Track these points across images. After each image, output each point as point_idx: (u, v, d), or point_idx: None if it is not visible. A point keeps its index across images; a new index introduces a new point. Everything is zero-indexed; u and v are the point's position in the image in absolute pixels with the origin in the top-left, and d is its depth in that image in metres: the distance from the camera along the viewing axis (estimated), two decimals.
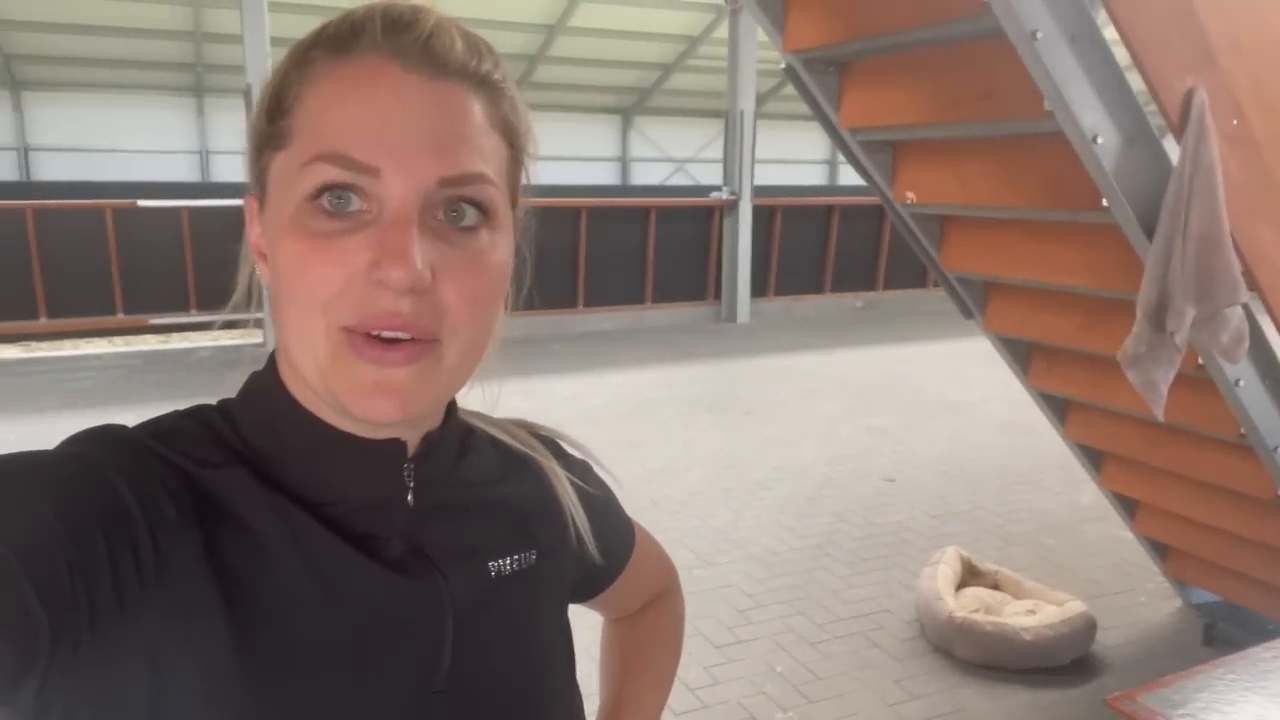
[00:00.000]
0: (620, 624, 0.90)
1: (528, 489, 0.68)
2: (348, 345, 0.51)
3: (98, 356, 7.58)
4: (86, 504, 0.47)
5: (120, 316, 7.53)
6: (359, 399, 0.52)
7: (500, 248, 0.55)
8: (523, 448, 0.69)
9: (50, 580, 0.43)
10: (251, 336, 7.75)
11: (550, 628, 0.68)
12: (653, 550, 0.87)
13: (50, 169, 14.48)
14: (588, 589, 0.79)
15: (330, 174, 0.50)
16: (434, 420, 0.60)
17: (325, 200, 0.51)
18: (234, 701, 0.51)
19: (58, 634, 0.43)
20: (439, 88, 0.52)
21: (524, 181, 0.60)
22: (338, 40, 0.53)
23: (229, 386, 0.62)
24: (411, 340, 0.51)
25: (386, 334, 0.51)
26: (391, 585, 0.56)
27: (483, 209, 0.53)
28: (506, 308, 0.63)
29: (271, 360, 0.60)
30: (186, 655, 0.50)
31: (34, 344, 7.77)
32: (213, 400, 0.61)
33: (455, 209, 0.52)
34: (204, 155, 15.54)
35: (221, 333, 8.02)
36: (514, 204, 0.58)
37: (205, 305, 7.57)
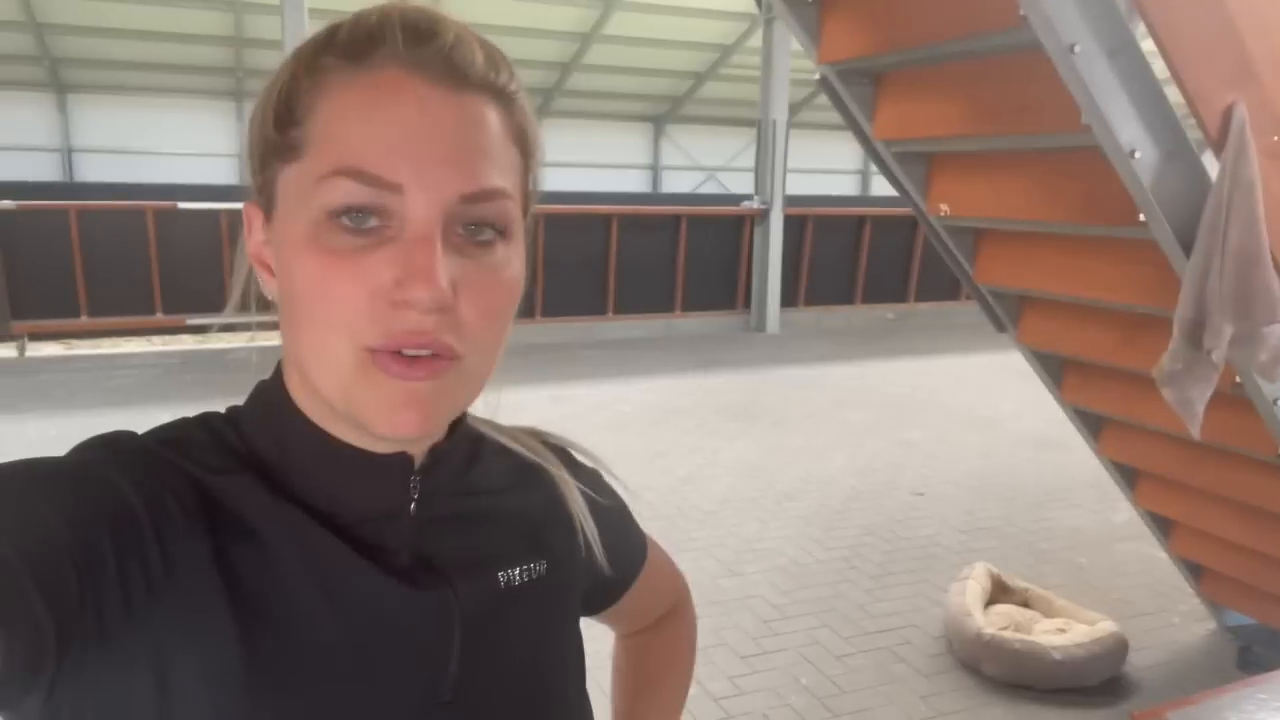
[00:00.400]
0: (633, 640, 0.88)
1: (538, 498, 0.67)
2: (372, 363, 0.50)
3: (136, 355, 7.72)
4: (94, 510, 0.47)
5: (159, 316, 7.67)
6: (383, 416, 0.51)
7: (514, 260, 0.55)
8: (532, 456, 0.69)
9: (58, 587, 0.43)
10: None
11: (560, 638, 0.67)
12: (664, 563, 0.86)
13: (92, 170, 14.78)
14: (599, 601, 0.78)
15: (351, 189, 0.49)
16: (440, 432, 0.60)
17: (345, 217, 0.49)
18: (240, 709, 0.51)
19: (65, 641, 0.43)
20: (461, 101, 0.51)
21: (533, 187, 0.59)
22: (354, 48, 0.51)
23: None
24: (433, 355, 0.51)
25: (409, 351, 0.50)
26: (399, 595, 0.56)
27: (501, 223, 0.53)
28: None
29: (278, 370, 0.60)
30: (194, 662, 0.50)
31: (74, 342, 7.93)
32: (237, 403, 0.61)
33: (474, 224, 0.52)
34: (243, 159, 15.77)
35: (258, 333, 8.12)
36: (525, 212, 0.58)
37: (243, 307, 7.65)
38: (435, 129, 0.50)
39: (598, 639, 0.86)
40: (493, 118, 0.53)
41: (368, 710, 0.55)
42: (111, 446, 0.53)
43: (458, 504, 0.62)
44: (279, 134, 0.52)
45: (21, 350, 7.44)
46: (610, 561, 0.72)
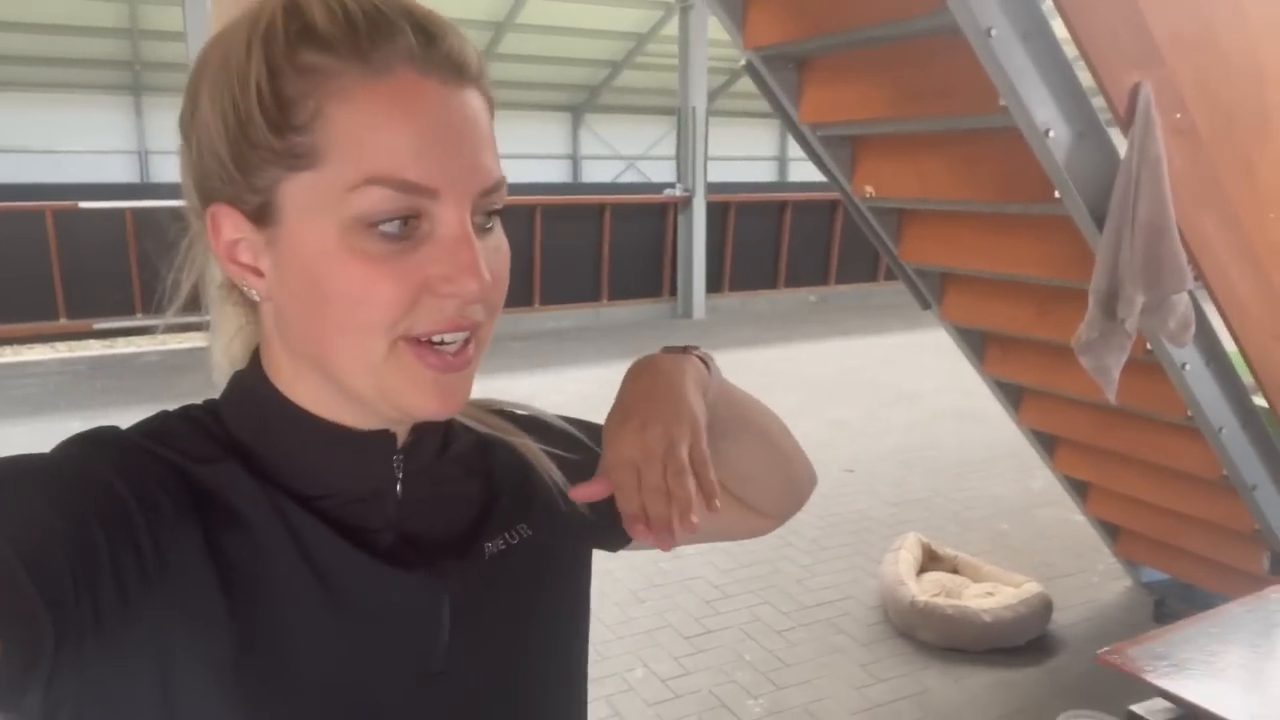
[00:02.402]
0: None
1: (507, 467, 0.69)
2: (413, 355, 0.53)
3: (40, 363, 7.37)
4: (86, 505, 0.47)
5: (63, 321, 7.33)
6: (416, 398, 0.54)
7: (503, 234, 0.58)
8: (489, 430, 0.70)
9: (53, 582, 0.43)
10: (197, 340, 7.59)
11: (556, 594, 0.69)
12: None
13: None
14: (614, 538, 0.74)
15: (387, 196, 0.50)
16: None
17: (383, 224, 0.50)
18: (238, 695, 0.51)
19: (62, 636, 0.43)
20: (466, 98, 0.53)
21: None
22: (360, 48, 0.50)
23: (179, 391, 0.62)
24: (462, 348, 0.55)
25: (448, 340, 0.54)
26: (385, 576, 0.57)
27: (500, 206, 0.56)
28: None
29: (255, 358, 0.60)
30: (190, 650, 0.50)
31: None
32: (157, 406, 0.61)
33: (486, 212, 0.55)
34: (143, 155, 15.15)
35: (169, 336, 7.84)
36: None
37: (151, 309, 7.39)
38: (455, 130, 0.52)
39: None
40: (484, 108, 0.55)
41: (360, 688, 0.56)
42: (95, 442, 0.53)
43: (438, 482, 0.63)
44: (279, 138, 0.50)
45: None
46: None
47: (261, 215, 0.53)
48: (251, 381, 0.59)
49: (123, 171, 14.85)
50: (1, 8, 11.27)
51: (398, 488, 0.60)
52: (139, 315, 7.49)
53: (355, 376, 0.54)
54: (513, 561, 0.64)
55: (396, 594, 0.58)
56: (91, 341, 7.70)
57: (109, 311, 7.45)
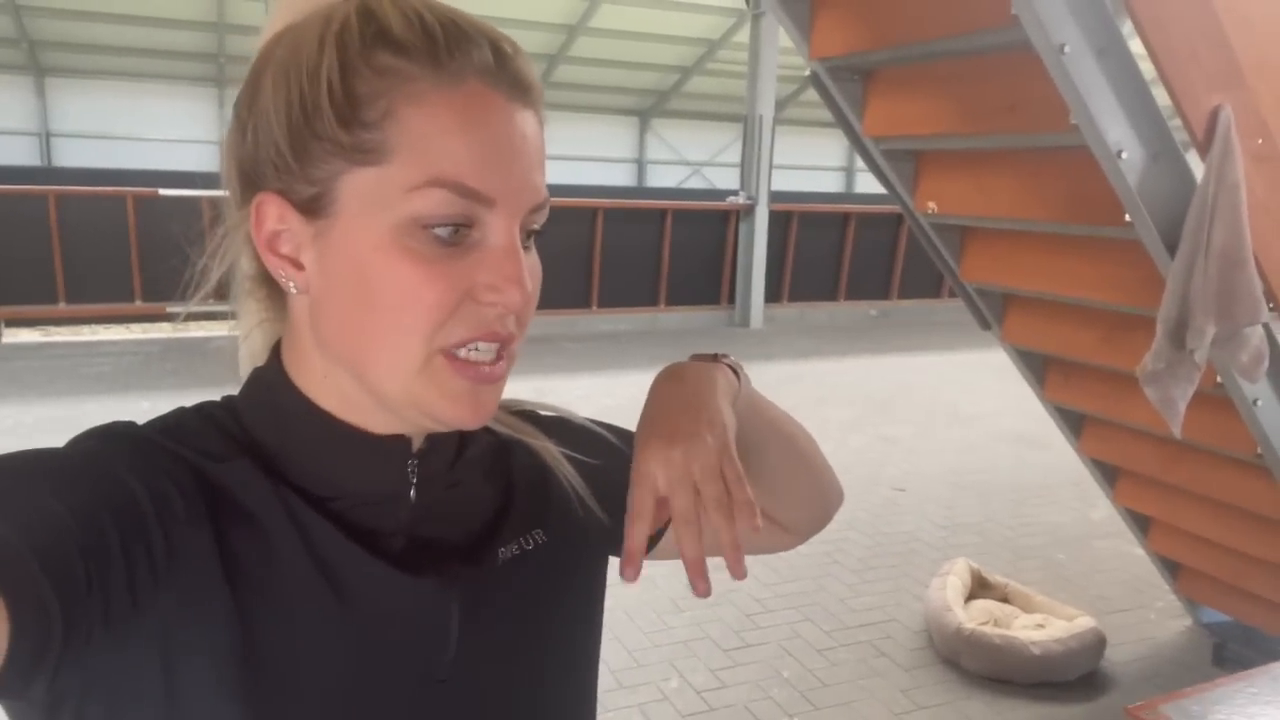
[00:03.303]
0: None
1: (525, 470, 0.68)
2: (449, 367, 0.54)
3: (115, 343, 7.64)
4: (98, 499, 0.48)
5: (138, 303, 7.58)
6: (449, 407, 0.55)
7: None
8: (509, 431, 0.69)
9: (64, 574, 0.44)
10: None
11: (568, 603, 0.68)
12: None
13: (71, 155, 14.59)
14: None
15: (447, 200, 0.51)
16: None
17: (438, 227, 0.52)
18: (242, 694, 0.51)
19: (71, 628, 0.44)
20: (526, 116, 0.55)
21: None
22: (437, 56, 0.51)
23: (245, 376, 0.63)
24: (494, 360, 0.55)
25: (477, 354, 0.54)
26: (395, 580, 0.57)
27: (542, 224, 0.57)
28: None
29: (275, 354, 0.60)
30: (197, 647, 0.50)
31: (52, 329, 7.84)
32: (224, 391, 0.62)
33: (529, 229, 0.56)
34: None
35: (236, 323, 8.06)
36: None
37: (223, 295, 7.61)
38: (516, 145, 0.53)
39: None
40: (539, 128, 0.56)
41: (365, 692, 0.56)
42: (110, 436, 0.53)
43: (452, 487, 0.62)
44: (346, 133, 0.51)
45: None
46: (605, 510, 0.69)
47: (313, 207, 0.53)
48: (271, 379, 0.59)
49: (204, 161, 15.33)
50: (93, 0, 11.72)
51: (411, 492, 0.59)
52: (211, 301, 7.71)
53: (388, 379, 0.54)
54: (526, 568, 0.64)
55: (405, 599, 0.58)
56: (164, 324, 7.96)
57: (183, 296, 7.69)
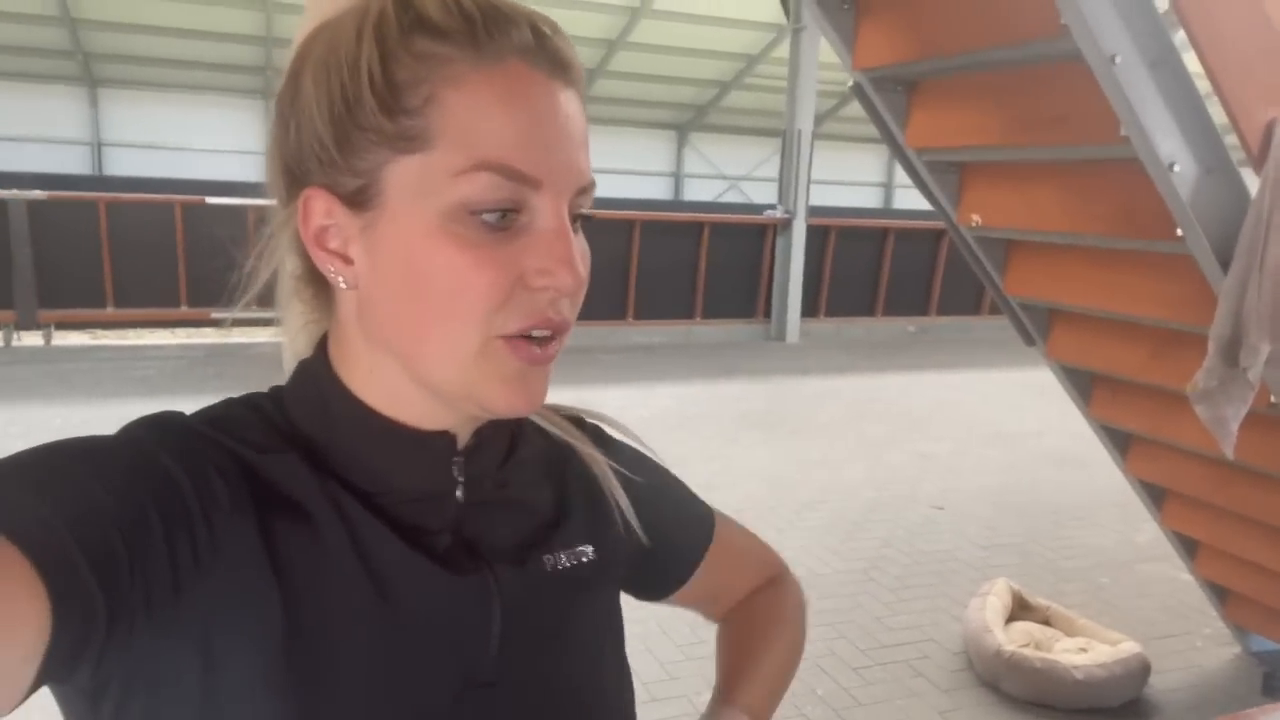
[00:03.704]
0: (730, 613, 0.85)
1: (578, 480, 0.68)
2: (507, 348, 0.53)
3: (160, 347, 7.80)
4: (143, 488, 0.48)
5: (184, 309, 7.73)
6: (503, 397, 0.54)
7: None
8: (565, 436, 0.69)
9: (108, 562, 0.44)
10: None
11: (600, 618, 0.67)
12: (742, 537, 0.84)
13: (121, 164, 14.96)
14: (661, 582, 0.77)
15: (495, 183, 0.50)
16: None
17: (486, 212, 0.51)
18: (283, 686, 0.51)
19: (114, 615, 0.44)
20: (569, 96, 0.54)
21: None
22: (476, 38, 0.51)
23: (284, 380, 0.63)
24: (550, 338, 0.54)
25: (538, 333, 0.53)
26: (440, 578, 0.56)
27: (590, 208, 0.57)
28: None
29: (321, 347, 0.60)
30: (239, 638, 0.50)
31: (100, 332, 8.02)
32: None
33: (577, 212, 0.55)
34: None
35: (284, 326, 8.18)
36: None
37: (266, 302, 7.74)
38: (560, 125, 0.53)
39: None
40: (582, 110, 0.56)
41: (407, 690, 0.55)
42: (158, 426, 0.53)
43: (501, 488, 0.62)
44: (390, 120, 0.51)
45: (48, 339, 7.52)
46: (662, 538, 0.71)
47: (359, 199, 0.53)
48: (317, 371, 0.59)
49: (250, 170, 15.62)
50: (145, 13, 12.04)
51: (458, 491, 0.59)
52: (254, 307, 7.84)
53: (444, 368, 0.53)
54: (572, 581, 0.63)
55: (449, 597, 0.57)
56: (208, 329, 8.11)
57: (227, 301, 7.83)
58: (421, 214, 0.51)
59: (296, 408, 0.59)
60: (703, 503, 0.81)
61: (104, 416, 5.32)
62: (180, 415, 0.56)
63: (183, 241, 7.66)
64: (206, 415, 0.57)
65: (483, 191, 0.50)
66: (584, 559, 0.64)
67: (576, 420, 0.73)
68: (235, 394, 0.61)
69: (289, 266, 0.60)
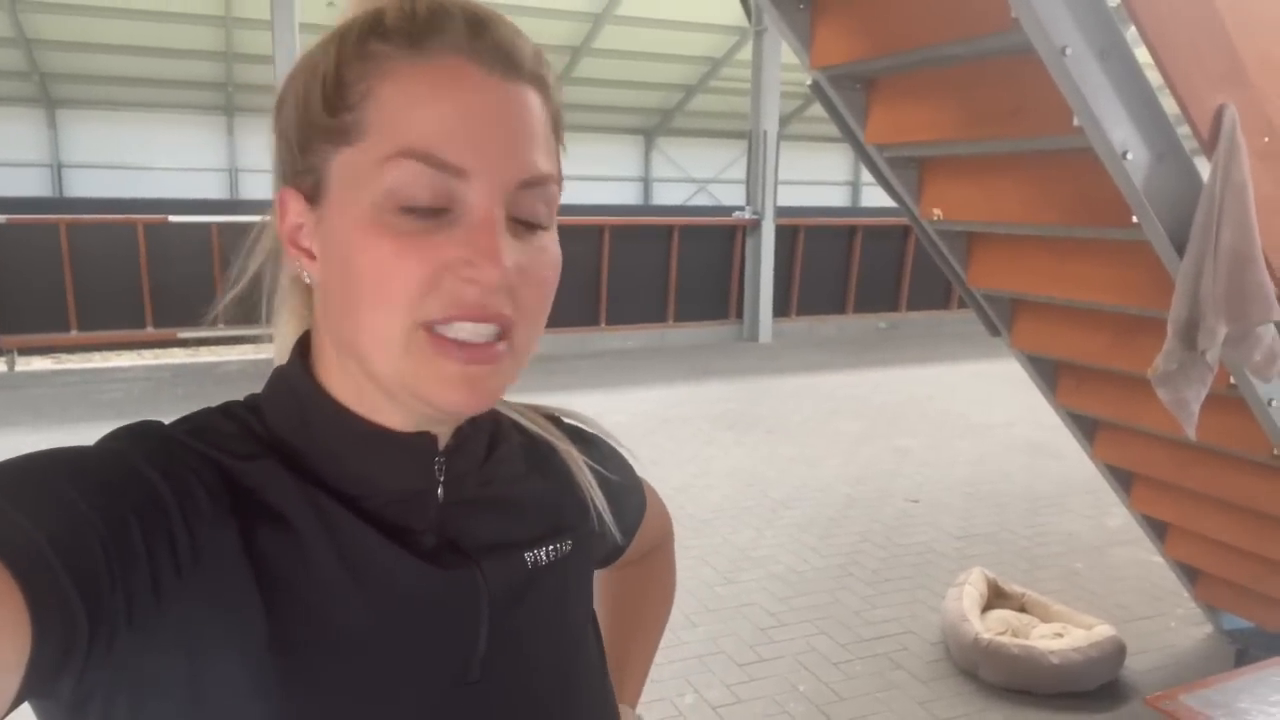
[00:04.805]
0: (614, 573, 0.89)
1: (555, 477, 0.68)
2: (430, 345, 0.52)
3: (126, 369, 7.68)
4: (123, 498, 0.48)
5: (149, 330, 7.63)
6: (440, 390, 0.53)
7: (556, 242, 0.57)
8: (544, 434, 0.70)
9: (88, 572, 0.44)
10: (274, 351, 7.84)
11: (582, 609, 0.68)
12: (655, 505, 0.89)
13: (82, 185, 14.75)
14: (605, 562, 0.80)
15: (416, 170, 0.51)
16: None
17: (409, 200, 0.51)
18: (269, 691, 0.51)
19: (95, 625, 0.44)
20: (514, 90, 0.53)
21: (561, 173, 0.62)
22: (415, 35, 0.52)
23: None
24: (490, 341, 0.53)
25: (469, 331, 0.52)
26: (426, 575, 0.57)
27: (549, 206, 0.55)
28: None
29: (297, 354, 0.60)
30: (223, 646, 0.50)
31: (64, 356, 7.89)
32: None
33: (529, 209, 0.54)
34: (233, 173, 15.78)
35: (248, 347, 8.10)
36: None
37: (233, 320, 7.67)
38: (495, 117, 0.52)
39: None
40: (538, 106, 0.55)
41: (396, 689, 0.55)
42: (137, 436, 0.54)
43: (483, 486, 0.62)
44: (330, 117, 0.53)
45: (11, 364, 7.39)
46: (620, 529, 0.73)
47: (314, 194, 0.55)
48: (293, 376, 0.59)
49: (214, 188, 15.47)
50: (102, 32, 11.89)
51: (439, 490, 0.59)
52: (221, 326, 7.76)
53: (377, 360, 0.53)
54: (555, 575, 0.64)
55: (435, 595, 0.57)
56: (175, 350, 8.01)
57: (193, 321, 7.75)
58: (356, 205, 0.52)
59: (274, 414, 0.59)
60: (640, 481, 0.84)
61: (73, 442, 5.20)
62: (159, 425, 0.56)
63: (146, 262, 7.57)
64: (185, 424, 0.57)
65: (407, 179, 0.51)
66: (563, 552, 0.65)
67: (554, 419, 0.74)
68: None
69: (282, 276, 0.62)
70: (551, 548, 0.64)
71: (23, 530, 0.43)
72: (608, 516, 0.70)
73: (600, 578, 0.88)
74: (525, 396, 0.71)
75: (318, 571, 0.54)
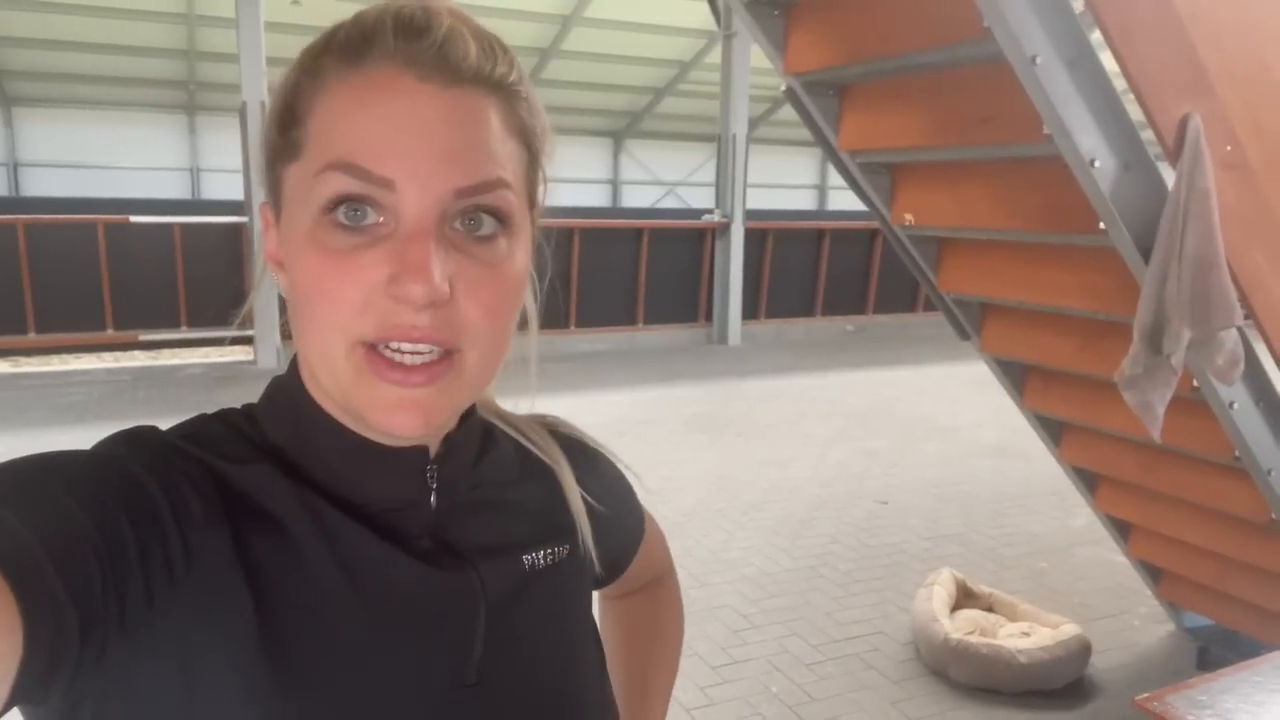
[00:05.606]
0: (620, 603, 0.89)
1: (550, 488, 0.68)
2: (368, 366, 0.51)
3: (86, 372, 7.53)
4: (115, 501, 0.47)
5: (110, 332, 7.49)
6: (382, 415, 0.52)
7: (518, 255, 0.55)
8: (540, 454, 0.69)
9: (81, 578, 0.43)
10: (240, 354, 7.73)
11: (580, 619, 0.68)
12: (656, 535, 0.88)
13: (40, 185, 14.45)
14: (599, 583, 0.79)
15: (343, 183, 0.50)
16: (451, 421, 0.60)
17: (341, 214, 0.50)
18: (262, 695, 0.50)
19: (87, 632, 0.43)
20: (453, 96, 0.51)
21: (543, 183, 0.61)
22: (349, 48, 0.52)
23: (219, 402, 0.63)
24: (431, 361, 0.51)
25: (407, 351, 0.51)
26: (422, 578, 0.57)
27: (500, 217, 0.53)
28: (534, 323, 0.65)
29: (294, 364, 0.60)
30: (216, 652, 0.50)
31: (22, 359, 7.72)
32: (208, 412, 0.62)
33: (473, 218, 0.52)
34: (195, 172, 15.55)
35: (212, 349, 7.98)
36: (532, 206, 0.60)
37: (196, 322, 7.56)
38: (426, 125, 0.50)
39: None
40: (489, 111, 0.53)
41: (392, 693, 0.55)
42: (131, 441, 0.53)
43: (475, 491, 0.62)
44: (281, 135, 0.54)
45: None
46: (609, 549, 0.72)
47: (276, 209, 0.56)
48: (288, 386, 0.59)
49: (175, 188, 15.22)
50: (61, 28, 11.66)
51: (432, 498, 0.59)
52: (183, 328, 7.65)
53: (325, 379, 0.54)
54: (552, 579, 0.64)
55: (431, 597, 0.57)
56: (137, 352, 7.87)
57: (155, 323, 7.62)
58: (301, 220, 0.52)
59: (269, 422, 0.59)
60: (639, 505, 0.82)
61: (33, 447, 5.05)
62: (154, 430, 0.55)
63: (107, 262, 7.43)
64: (180, 430, 0.57)
65: (333, 190, 0.50)
66: (561, 556, 0.65)
67: (551, 430, 0.73)
68: (167, 417, 0.61)
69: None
70: (549, 551, 0.64)
71: (16, 534, 0.43)
72: (592, 551, 0.68)
73: (611, 610, 0.89)
74: (498, 400, 0.71)
75: (312, 574, 0.54)
